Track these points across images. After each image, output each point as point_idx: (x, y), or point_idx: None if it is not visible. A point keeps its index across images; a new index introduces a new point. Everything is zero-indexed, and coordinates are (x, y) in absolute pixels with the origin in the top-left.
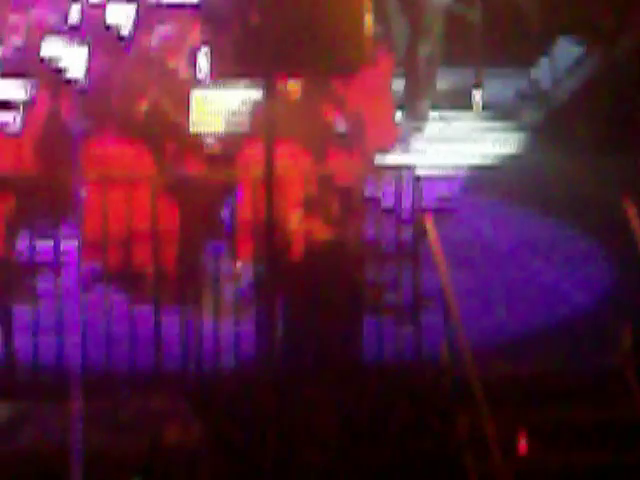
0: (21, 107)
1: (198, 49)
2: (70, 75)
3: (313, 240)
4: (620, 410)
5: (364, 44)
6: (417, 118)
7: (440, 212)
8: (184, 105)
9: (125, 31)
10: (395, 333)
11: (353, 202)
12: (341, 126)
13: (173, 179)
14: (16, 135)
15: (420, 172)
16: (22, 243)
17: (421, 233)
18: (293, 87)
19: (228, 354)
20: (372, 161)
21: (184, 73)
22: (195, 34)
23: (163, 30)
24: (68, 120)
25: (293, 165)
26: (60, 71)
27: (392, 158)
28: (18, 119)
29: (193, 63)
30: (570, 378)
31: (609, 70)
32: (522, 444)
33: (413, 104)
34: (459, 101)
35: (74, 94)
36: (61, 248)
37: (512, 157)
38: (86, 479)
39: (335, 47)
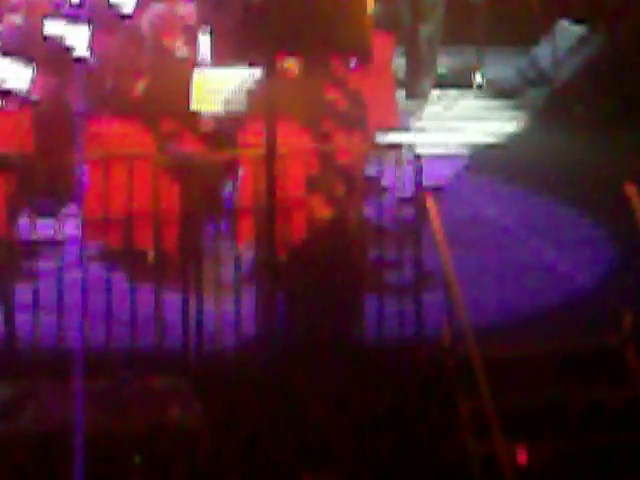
0: (22, 86)
1: (196, 28)
2: (72, 54)
3: (314, 219)
4: (621, 391)
5: (366, 24)
6: (418, 97)
7: (441, 191)
8: (182, 84)
9: (127, 10)
10: (396, 312)
11: (354, 181)
12: (342, 105)
13: (174, 158)
14: (17, 114)
15: (421, 151)
16: (23, 222)
17: (422, 212)
18: (291, 65)
19: (229, 334)
20: (373, 140)
21: (181, 52)
22: (191, 12)
23: (157, 8)
24: (69, 99)
25: (294, 144)
26: (61, 50)
27: (393, 137)
28: (19, 98)
29: (192, 42)
30: (571, 358)
31: (611, 50)
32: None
33: (414, 83)
34: (460, 80)
35: (75, 73)
36: (62, 227)
37: (513, 136)
38: (87, 459)
39: (336, 27)
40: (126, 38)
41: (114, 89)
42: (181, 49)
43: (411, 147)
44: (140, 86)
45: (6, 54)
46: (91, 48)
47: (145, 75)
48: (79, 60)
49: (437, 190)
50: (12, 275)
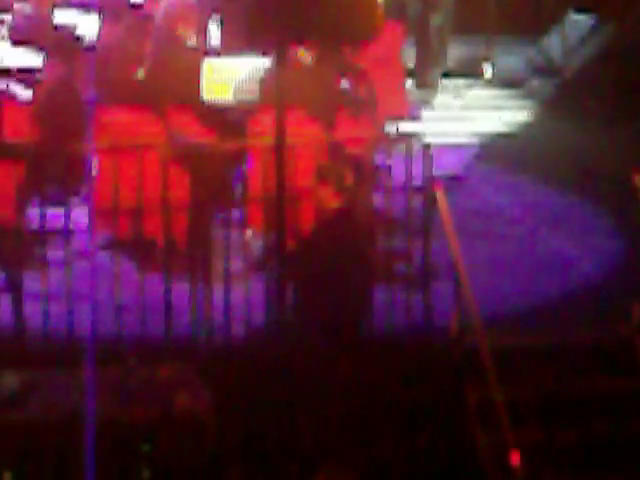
0: (32, 75)
1: (208, 17)
2: (82, 43)
3: (324, 208)
4: (630, 381)
5: (375, 12)
6: (428, 87)
7: (450, 181)
8: (193, 73)
9: None
10: (406, 302)
11: (364, 171)
12: (352, 94)
13: (183, 147)
14: (27, 103)
15: (430, 141)
16: (33, 211)
17: (431, 202)
18: (303, 55)
19: (238, 323)
20: (382, 130)
21: (193, 40)
22: (204, 1)
23: None
24: (79, 88)
25: (304, 133)
26: (71, 38)
27: (402, 127)
28: (29, 87)
29: (203, 31)
30: (580, 349)
31: (620, 40)
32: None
33: (424, 73)
34: (469, 70)
35: (85, 61)
36: (71, 216)
37: (522, 126)
38: (96, 447)
39: (347, 15)
40: (136, 27)
41: (124, 78)
42: (192, 38)
43: (420, 137)
44: (150, 75)
45: (16, 43)
46: (101, 37)
47: (155, 64)
48: (89, 48)
49: (453, 179)
50: (22, 264)
